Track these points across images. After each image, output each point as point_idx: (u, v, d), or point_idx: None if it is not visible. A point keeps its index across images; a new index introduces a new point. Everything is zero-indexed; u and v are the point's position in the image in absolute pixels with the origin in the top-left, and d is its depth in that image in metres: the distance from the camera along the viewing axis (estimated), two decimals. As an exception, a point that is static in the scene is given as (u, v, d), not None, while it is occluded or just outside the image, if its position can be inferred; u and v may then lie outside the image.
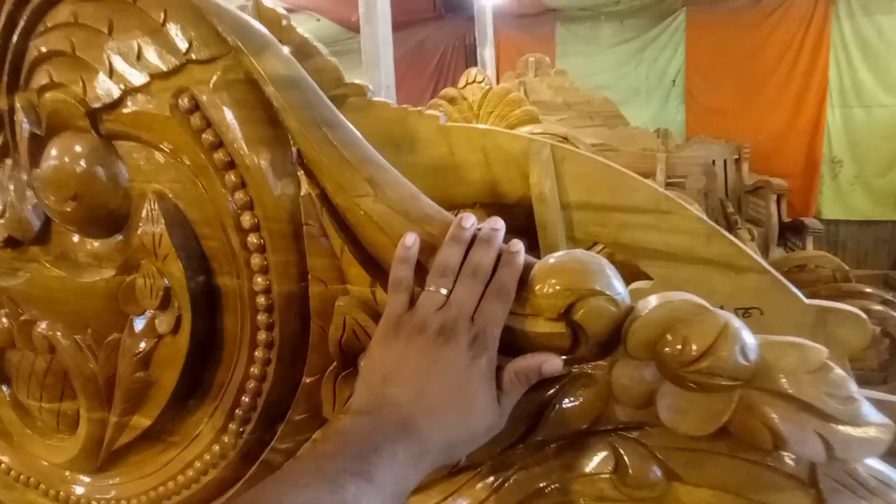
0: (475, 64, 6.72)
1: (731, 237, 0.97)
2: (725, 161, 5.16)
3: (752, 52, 6.33)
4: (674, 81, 6.89)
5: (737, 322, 0.50)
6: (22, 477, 0.88)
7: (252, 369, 0.67)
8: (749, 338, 0.49)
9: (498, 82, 4.01)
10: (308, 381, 0.67)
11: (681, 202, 0.98)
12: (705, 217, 0.97)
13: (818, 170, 6.35)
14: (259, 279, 0.64)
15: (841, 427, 0.47)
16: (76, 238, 0.76)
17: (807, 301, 0.92)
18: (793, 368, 0.49)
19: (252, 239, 0.63)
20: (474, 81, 2.63)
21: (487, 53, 6.94)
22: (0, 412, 0.87)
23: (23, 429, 0.86)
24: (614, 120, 4.51)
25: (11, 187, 0.76)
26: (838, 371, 0.48)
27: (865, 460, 0.50)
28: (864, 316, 0.91)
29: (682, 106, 6.90)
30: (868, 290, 2.68)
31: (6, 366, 0.85)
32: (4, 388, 0.87)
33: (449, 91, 2.52)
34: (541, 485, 0.59)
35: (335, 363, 0.64)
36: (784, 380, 0.49)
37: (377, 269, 0.61)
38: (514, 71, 4.62)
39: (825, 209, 6.41)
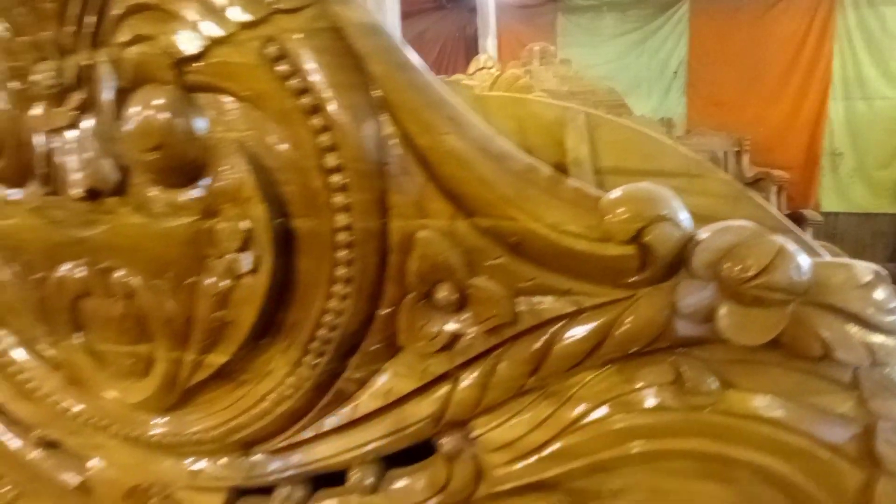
0: (476, 55, 6.70)
1: (761, 200, 1.02)
2: (726, 153, 5.18)
3: (756, 43, 6.33)
4: (675, 73, 6.90)
5: (793, 245, 0.55)
6: (92, 420, 0.90)
7: (330, 303, 0.71)
8: (803, 258, 0.55)
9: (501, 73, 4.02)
10: (383, 312, 0.71)
11: (712, 166, 1.04)
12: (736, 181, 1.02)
13: (818, 162, 6.38)
14: (340, 217, 0.68)
15: (883, 336, 0.54)
16: (154, 189, 0.80)
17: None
18: (842, 284, 0.55)
19: (335, 179, 0.67)
20: (483, 68, 2.68)
21: (490, 44, 6.92)
22: (74, 359, 0.90)
23: (96, 373, 0.89)
24: (619, 109, 4.52)
25: (92, 141, 0.80)
26: (884, 287, 0.54)
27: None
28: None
29: (683, 98, 6.92)
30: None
31: (79, 315, 0.87)
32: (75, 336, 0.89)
33: (457, 77, 2.56)
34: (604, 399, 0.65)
35: (412, 293, 0.69)
36: (833, 294, 0.54)
37: (458, 203, 0.66)
38: (517, 60, 4.64)
39: (824, 201, 6.45)
